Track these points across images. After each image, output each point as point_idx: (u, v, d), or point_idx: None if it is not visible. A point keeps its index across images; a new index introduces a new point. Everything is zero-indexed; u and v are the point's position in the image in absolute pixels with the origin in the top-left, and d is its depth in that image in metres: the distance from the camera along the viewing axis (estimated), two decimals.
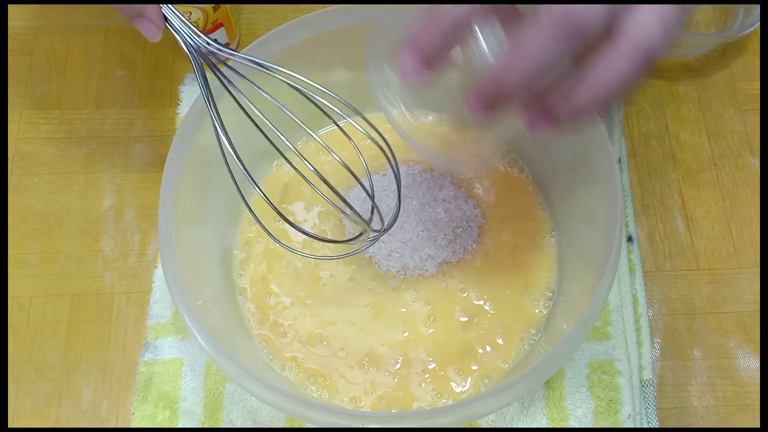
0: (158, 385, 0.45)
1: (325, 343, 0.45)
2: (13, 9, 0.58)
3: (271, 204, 0.35)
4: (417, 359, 0.45)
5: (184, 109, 0.54)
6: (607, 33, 0.26)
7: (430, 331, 0.46)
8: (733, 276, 0.49)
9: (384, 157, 0.50)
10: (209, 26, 0.52)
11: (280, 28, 0.44)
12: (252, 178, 0.35)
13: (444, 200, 0.48)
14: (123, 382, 0.46)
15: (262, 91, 0.35)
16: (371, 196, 0.37)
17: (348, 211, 0.37)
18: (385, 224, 0.40)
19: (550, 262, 0.47)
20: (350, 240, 0.40)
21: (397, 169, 0.39)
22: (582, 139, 0.42)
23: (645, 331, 0.47)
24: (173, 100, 0.55)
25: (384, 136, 0.37)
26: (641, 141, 0.54)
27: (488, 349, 0.45)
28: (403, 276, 0.47)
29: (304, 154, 0.37)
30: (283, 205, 0.50)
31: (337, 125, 0.39)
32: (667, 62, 0.57)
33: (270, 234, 0.39)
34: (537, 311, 0.46)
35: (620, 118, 0.54)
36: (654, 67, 0.32)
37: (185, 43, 0.36)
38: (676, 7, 0.26)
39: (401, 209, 0.40)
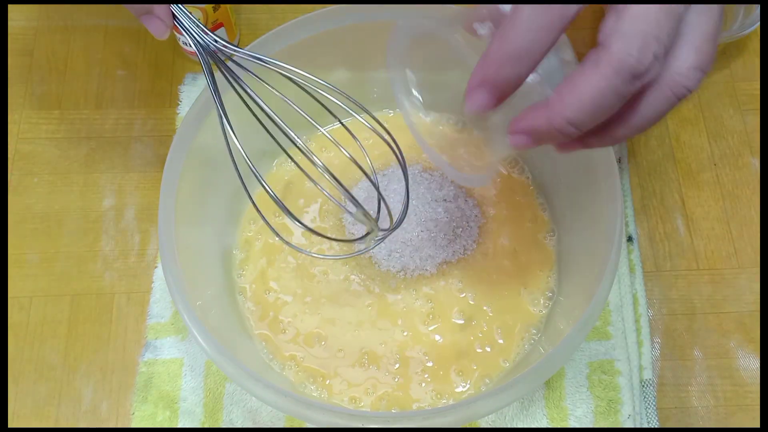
0: (158, 385, 0.45)
1: (323, 342, 0.45)
2: (13, 9, 0.58)
3: (278, 201, 0.35)
4: (417, 359, 0.45)
5: (184, 109, 0.54)
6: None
7: (430, 330, 0.46)
8: (733, 276, 0.49)
9: (384, 157, 0.51)
10: (209, 26, 0.52)
11: (280, 28, 0.44)
12: (258, 173, 0.35)
13: (444, 200, 0.48)
14: (123, 382, 0.46)
15: (270, 87, 0.35)
16: (379, 193, 0.37)
17: (353, 209, 0.37)
18: (392, 223, 0.40)
19: (550, 262, 0.47)
20: (358, 239, 0.40)
21: (405, 164, 0.39)
22: None
23: (645, 331, 0.47)
24: (173, 100, 0.55)
25: (390, 134, 0.37)
26: (641, 141, 0.54)
27: (488, 348, 0.45)
28: (403, 276, 0.47)
29: (299, 155, 0.37)
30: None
31: (342, 123, 0.39)
32: None
33: (277, 233, 0.39)
34: (537, 311, 0.46)
35: None
36: None
37: (194, 41, 0.36)
38: (713, 46, 0.27)
39: (391, 213, 0.40)
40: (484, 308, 0.46)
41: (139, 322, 0.48)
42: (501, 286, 0.47)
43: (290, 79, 0.37)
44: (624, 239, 0.48)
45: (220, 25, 0.53)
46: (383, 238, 0.41)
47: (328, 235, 0.39)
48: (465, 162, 0.39)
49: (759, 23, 0.53)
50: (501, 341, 0.45)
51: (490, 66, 0.28)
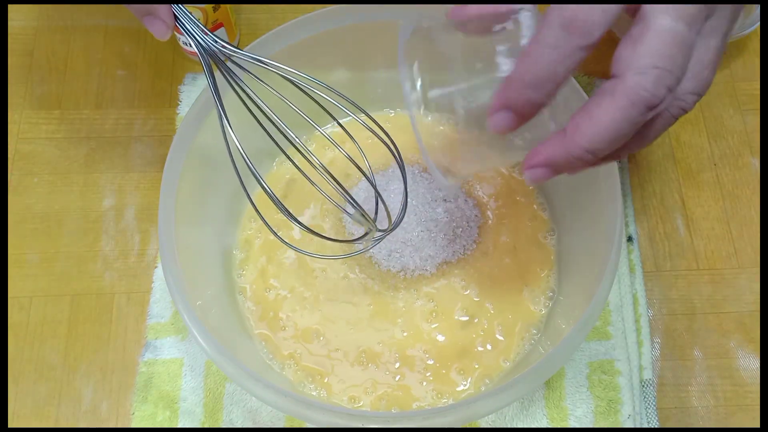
0: (158, 385, 0.45)
1: (321, 338, 0.45)
2: (13, 9, 0.58)
3: (277, 201, 0.35)
4: (417, 359, 0.45)
5: (184, 109, 0.54)
6: None
7: (430, 330, 0.46)
8: (733, 276, 0.49)
9: (384, 158, 0.51)
10: (209, 26, 0.52)
11: (280, 28, 0.44)
12: (257, 173, 0.35)
13: (444, 200, 0.48)
14: (123, 382, 0.46)
15: (271, 88, 0.36)
16: (377, 192, 0.37)
17: (352, 210, 0.37)
18: (390, 223, 0.40)
19: (549, 262, 0.47)
20: (356, 240, 0.40)
21: (402, 164, 0.39)
22: None
23: (645, 331, 0.47)
24: (173, 100, 0.55)
25: (389, 134, 0.37)
26: None
27: (489, 347, 0.45)
28: (403, 276, 0.47)
29: (298, 156, 0.37)
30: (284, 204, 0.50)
31: (339, 124, 0.39)
32: None
33: (276, 235, 0.39)
34: (537, 311, 0.46)
35: None
36: None
37: (195, 42, 0.36)
38: (713, 71, 0.29)
39: (389, 213, 0.40)
40: (485, 308, 0.46)
41: (139, 322, 0.48)
42: (502, 284, 0.47)
43: (289, 80, 0.37)
44: (624, 239, 0.48)
45: (220, 25, 0.53)
46: (381, 239, 0.41)
47: (326, 235, 0.39)
48: (458, 164, 0.39)
49: (759, 23, 0.53)
50: (502, 340, 0.45)
51: (514, 90, 0.28)
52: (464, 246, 0.48)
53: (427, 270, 0.47)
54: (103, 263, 0.50)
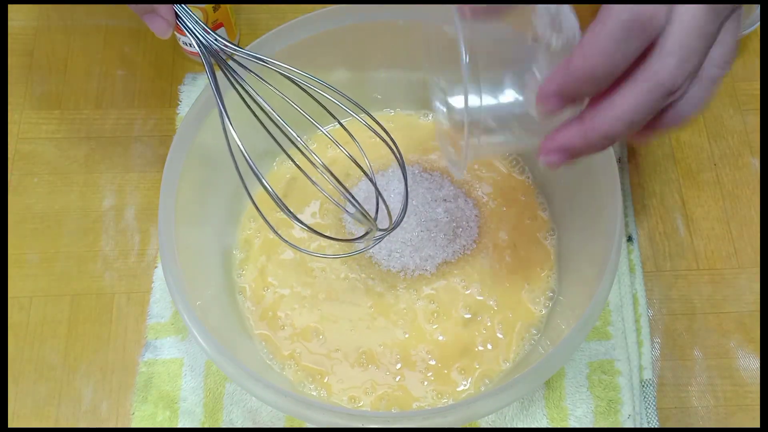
0: (158, 385, 0.45)
1: (321, 337, 0.45)
2: (13, 9, 0.58)
3: (278, 200, 0.35)
4: (419, 359, 0.45)
5: (184, 109, 0.54)
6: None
7: (432, 330, 0.46)
8: (733, 276, 0.49)
9: (385, 158, 0.51)
10: (209, 26, 0.52)
11: (280, 28, 0.44)
12: (258, 172, 0.35)
13: (444, 200, 0.48)
14: (123, 382, 0.46)
15: (273, 87, 0.36)
16: (377, 191, 0.37)
17: (352, 209, 0.37)
18: (391, 223, 0.40)
19: (550, 262, 0.47)
20: (357, 239, 0.40)
21: (403, 163, 0.39)
22: None
23: (645, 331, 0.47)
24: (173, 100, 0.55)
25: (389, 134, 0.37)
26: None
27: (489, 346, 0.45)
28: (403, 276, 0.47)
29: (299, 155, 0.37)
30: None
31: (341, 124, 0.39)
32: None
33: (277, 233, 0.39)
34: (537, 311, 0.46)
35: None
36: None
37: (196, 41, 0.36)
38: (733, 58, 0.29)
39: (390, 212, 0.40)
40: (485, 308, 0.46)
41: (139, 322, 0.48)
42: (502, 285, 0.47)
43: (290, 79, 0.37)
44: (624, 239, 0.48)
45: (220, 25, 0.53)
46: (381, 238, 0.41)
47: (327, 234, 0.39)
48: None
49: (759, 23, 0.53)
50: (502, 340, 0.45)
51: (570, 80, 0.28)
52: (464, 246, 0.48)
53: (427, 270, 0.47)
54: (103, 263, 0.50)
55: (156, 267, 0.49)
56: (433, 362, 0.44)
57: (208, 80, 0.36)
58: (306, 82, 0.37)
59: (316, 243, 0.48)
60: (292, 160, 0.37)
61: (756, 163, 0.53)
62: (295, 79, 0.37)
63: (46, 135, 0.54)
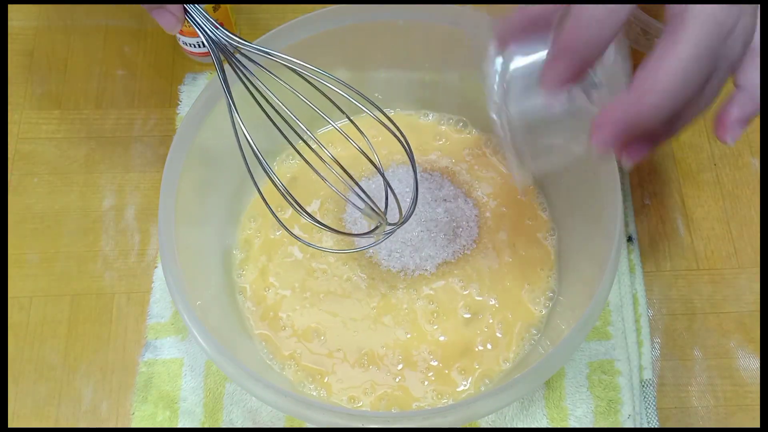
0: (158, 385, 0.45)
1: (322, 337, 0.45)
2: (13, 9, 0.58)
3: (287, 194, 0.35)
4: (420, 360, 0.45)
5: (184, 109, 0.54)
6: None
7: (433, 331, 0.46)
8: (733, 276, 0.49)
9: (385, 158, 0.51)
10: None
11: (280, 28, 0.44)
12: (268, 166, 0.35)
13: (444, 200, 0.48)
14: (123, 382, 0.46)
15: (283, 82, 0.36)
16: (387, 184, 0.37)
17: (362, 205, 0.37)
18: (401, 217, 0.40)
19: (550, 262, 0.47)
20: (366, 233, 0.39)
21: (412, 157, 0.39)
22: None
23: (645, 331, 0.47)
24: (173, 100, 0.55)
25: (400, 129, 0.37)
26: None
27: (489, 346, 0.45)
28: (403, 276, 0.47)
29: (306, 151, 0.37)
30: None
31: (350, 119, 0.39)
32: None
33: (283, 225, 0.39)
34: (537, 311, 0.46)
35: None
36: None
37: (205, 36, 0.36)
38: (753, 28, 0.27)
39: (402, 207, 0.40)
40: (485, 308, 0.46)
41: (139, 322, 0.48)
42: (501, 285, 0.47)
43: (300, 74, 0.37)
44: (624, 239, 0.48)
45: (221, 24, 0.53)
46: (392, 233, 0.40)
47: (341, 230, 0.39)
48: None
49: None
50: (502, 340, 0.45)
51: (565, 41, 0.27)
52: (464, 246, 0.48)
53: (427, 270, 0.47)
54: (103, 263, 0.50)
55: (156, 267, 0.49)
56: (434, 363, 0.44)
57: (214, 79, 0.36)
58: (315, 76, 0.36)
59: (319, 242, 0.48)
60: (301, 155, 0.37)
61: (756, 163, 0.53)
62: (305, 74, 0.37)
63: (46, 135, 0.54)
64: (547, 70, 0.29)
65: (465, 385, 0.44)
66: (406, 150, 0.38)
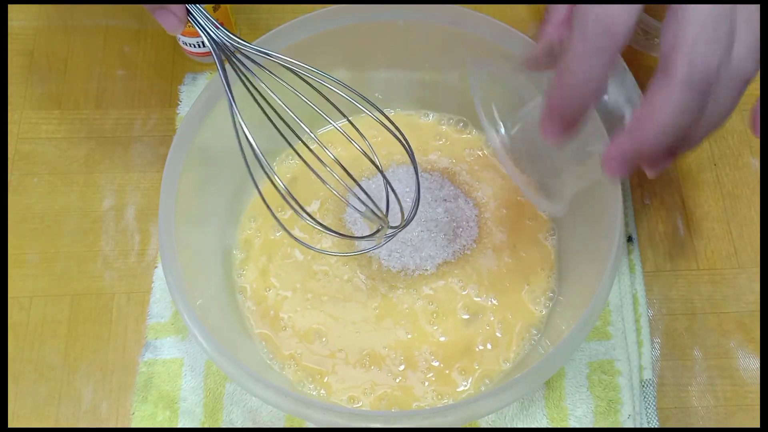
0: (158, 385, 0.45)
1: (323, 339, 0.45)
2: (13, 9, 0.58)
3: (290, 194, 0.35)
4: (422, 360, 0.45)
5: (184, 109, 0.54)
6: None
7: (434, 331, 0.46)
8: (733, 276, 0.49)
9: (385, 159, 0.51)
10: None
11: (280, 28, 0.44)
12: (269, 167, 0.35)
13: (444, 200, 0.48)
14: (123, 382, 0.46)
15: (285, 83, 0.36)
16: (388, 183, 0.37)
17: (362, 207, 0.37)
18: (403, 219, 0.40)
19: (550, 262, 0.47)
20: (368, 236, 0.39)
21: (414, 157, 0.39)
22: None
23: (645, 331, 0.47)
24: (173, 100, 0.55)
25: (400, 130, 0.37)
26: None
27: (489, 346, 0.45)
28: (403, 276, 0.47)
29: (304, 152, 0.37)
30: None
31: (349, 120, 0.39)
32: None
33: (285, 229, 0.39)
34: (537, 311, 0.46)
35: None
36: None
37: (208, 37, 0.36)
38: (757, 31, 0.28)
39: (402, 209, 0.40)
40: (485, 308, 0.46)
41: (139, 322, 0.48)
42: (502, 285, 0.47)
43: (298, 75, 0.37)
44: (624, 239, 0.48)
45: (221, 24, 0.53)
46: (393, 236, 0.40)
47: (344, 233, 0.39)
48: (538, 184, 0.39)
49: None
50: (502, 340, 0.45)
51: (556, 98, 0.29)
52: (464, 246, 0.48)
53: (427, 270, 0.47)
54: (103, 263, 0.50)
55: (156, 267, 0.49)
56: (436, 363, 0.44)
57: (214, 79, 0.36)
58: (314, 77, 0.36)
59: (320, 243, 0.48)
60: (300, 156, 0.37)
61: (756, 163, 0.53)
62: (303, 75, 0.37)
63: (46, 135, 0.54)
64: (544, 125, 0.30)
65: (465, 386, 0.44)
66: (407, 151, 0.38)
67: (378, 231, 0.38)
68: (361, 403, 0.44)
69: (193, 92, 0.55)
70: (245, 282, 0.47)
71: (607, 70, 0.27)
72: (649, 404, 0.45)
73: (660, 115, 0.27)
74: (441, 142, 0.52)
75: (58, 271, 0.49)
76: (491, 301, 0.46)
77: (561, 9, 0.33)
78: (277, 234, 0.48)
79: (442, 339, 0.45)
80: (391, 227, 0.39)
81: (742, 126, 0.54)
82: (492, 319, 0.46)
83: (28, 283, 0.49)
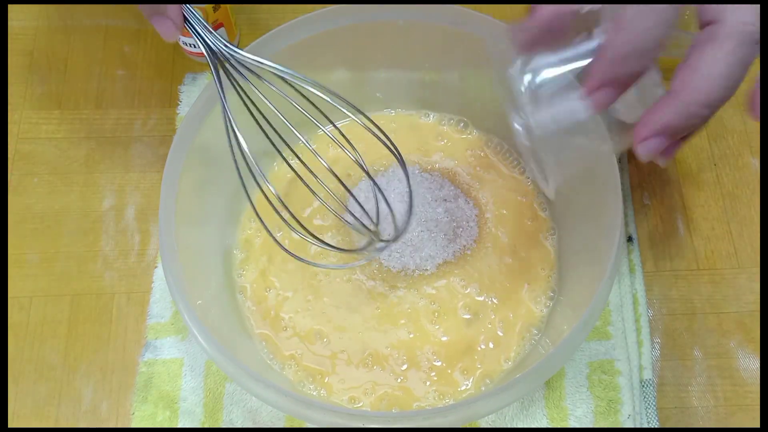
0: (158, 385, 0.45)
1: (325, 339, 0.45)
2: (13, 9, 0.58)
3: (282, 205, 0.35)
4: (424, 360, 0.45)
5: (184, 109, 0.54)
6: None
7: (435, 331, 0.46)
8: (733, 276, 0.49)
9: (384, 159, 0.51)
10: (210, 26, 0.52)
11: (280, 28, 0.44)
12: (262, 174, 0.35)
13: (444, 200, 0.48)
14: (123, 382, 0.46)
15: (278, 90, 0.36)
16: (382, 194, 0.37)
17: (351, 220, 0.37)
18: (396, 229, 0.39)
19: (550, 262, 0.47)
20: (360, 249, 0.40)
21: (404, 163, 0.39)
22: None
23: (645, 331, 0.47)
24: (173, 100, 0.55)
25: (387, 135, 0.37)
26: None
27: (491, 345, 0.45)
28: (403, 276, 0.47)
29: (297, 159, 0.37)
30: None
31: (336, 127, 0.39)
32: (665, 62, 0.57)
33: (277, 242, 0.39)
34: (537, 311, 0.46)
35: None
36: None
37: (203, 44, 0.36)
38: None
39: (395, 219, 0.40)
40: (485, 308, 0.46)
41: (139, 322, 0.48)
42: (502, 285, 0.47)
43: (289, 83, 0.37)
44: (624, 239, 0.48)
45: (220, 25, 0.53)
46: (383, 249, 0.40)
47: (329, 241, 0.39)
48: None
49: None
50: (503, 339, 0.45)
51: (611, 65, 0.27)
52: (464, 246, 0.48)
53: (427, 270, 0.47)
54: (103, 263, 0.50)
55: (156, 267, 0.49)
56: (438, 363, 0.44)
57: (213, 81, 0.36)
58: (307, 85, 0.37)
59: (317, 248, 0.48)
60: (289, 166, 0.37)
61: (756, 163, 0.53)
62: (294, 83, 0.37)
63: (46, 135, 0.54)
64: (590, 92, 0.29)
65: (467, 385, 0.44)
66: (396, 157, 0.38)
67: (371, 243, 0.39)
68: (361, 404, 0.44)
69: (193, 92, 0.55)
70: (245, 282, 0.47)
71: (670, 30, 0.27)
72: (649, 404, 0.45)
73: (711, 75, 0.26)
74: (442, 143, 0.52)
75: (58, 271, 0.49)
76: (492, 300, 0.46)
77: None
78: (278, 234, 0.48)
79: (443, 338, 0.45)
80: (382, 240, 0.39)
81: (742, 126, 0.54)
82: (493, 317, 0.46)
83: (28, 283, 0.49)
